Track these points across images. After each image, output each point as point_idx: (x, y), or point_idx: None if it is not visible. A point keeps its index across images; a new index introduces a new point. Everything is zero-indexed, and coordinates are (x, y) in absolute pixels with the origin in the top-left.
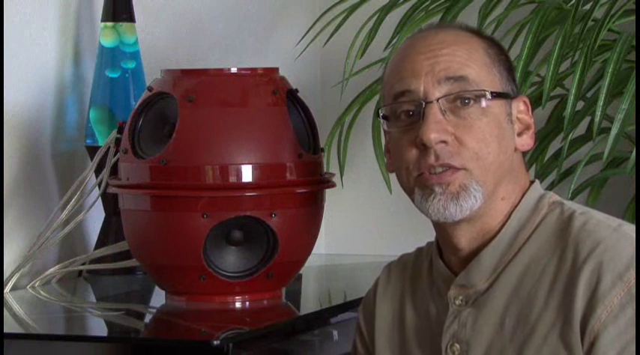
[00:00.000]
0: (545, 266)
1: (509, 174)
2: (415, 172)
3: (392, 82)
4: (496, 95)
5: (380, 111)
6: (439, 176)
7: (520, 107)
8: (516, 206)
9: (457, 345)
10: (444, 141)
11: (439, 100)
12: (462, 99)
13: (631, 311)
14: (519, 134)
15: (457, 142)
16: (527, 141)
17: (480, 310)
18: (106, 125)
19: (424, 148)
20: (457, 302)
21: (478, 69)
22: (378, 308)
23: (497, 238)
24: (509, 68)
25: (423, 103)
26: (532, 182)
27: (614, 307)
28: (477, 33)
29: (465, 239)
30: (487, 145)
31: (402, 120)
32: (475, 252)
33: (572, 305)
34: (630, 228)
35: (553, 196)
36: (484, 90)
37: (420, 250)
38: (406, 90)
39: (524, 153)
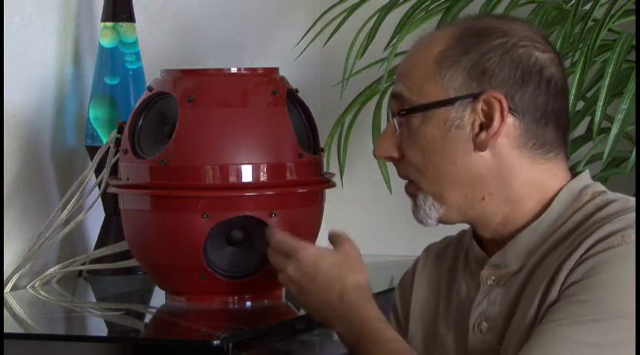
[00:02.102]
0: (567, 247)
1: (472, 178)
2: None
3: None
4: (425, 107)
5: None
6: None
7: (479, 106)
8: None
9: (485, 323)
10: (391, 157)
11: (393, 117)
12: (399, 115)
13: (580, 297)
14: (477, 134)
15: (403, 157)
16: (483, 139)
17: (508, 290)
18: (107, 125)
19: None
20: (489, 282)
21: (414, 82)
22: (415, 289)
23: (537, 221)
24: (474, 67)
25: None
26: (576, 173)
27: (573, 281)
28: (455, 30)
29: (487, 234)
30: (428, 158)
31: None
32: (514, 234)
33: (555, 284)
34: None
35: (599, 186)
36: (403, 109)
37: (463, 232)
38: None
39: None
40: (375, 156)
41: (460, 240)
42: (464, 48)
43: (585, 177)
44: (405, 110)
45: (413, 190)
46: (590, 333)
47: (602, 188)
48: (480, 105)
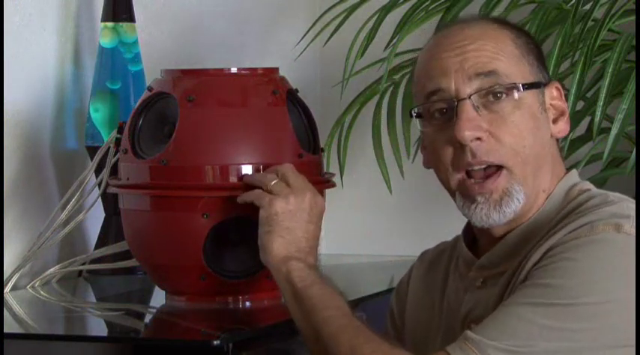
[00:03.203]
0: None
1: (547, 164)
2: (457, 174)
3: (423, 82)
4: (527, 86)
5: (413, 110)
6: (481, 185)
7: (553, 93)
8: (550, 195)
9: (473, 325)
10: (479, 138)
11: (471, 97)
12: (494, 94)
13: (542, 281)
14: (554, 121)
15: (492, 138)
16: (562, 128)
17: (495, 290)
18: (107, 125)
19: (460, 146)
20: (477, 283)
21: (507, 61)
22: (410, 296)
23: (526, 223)
24: (538, 56)
25: (456, 101)
26: (568, 171)
27: (538, 266)
28: (505, 23)
29: (503, 231)
30: (523, 139)
31: (436, 119)
32: (507, 234)
33: (522, 273)
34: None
35: (586, 184)
36: (515, 83)
37: (457, 238)
38: (438, 89)
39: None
40: (462, 138)
41: (455, 247)
42: (527, 37)
43: (573, 177)
44: (528, 84)
45: (505, 182)
46: (544, 316)
47: (589, 186)
48: (553, 92)
